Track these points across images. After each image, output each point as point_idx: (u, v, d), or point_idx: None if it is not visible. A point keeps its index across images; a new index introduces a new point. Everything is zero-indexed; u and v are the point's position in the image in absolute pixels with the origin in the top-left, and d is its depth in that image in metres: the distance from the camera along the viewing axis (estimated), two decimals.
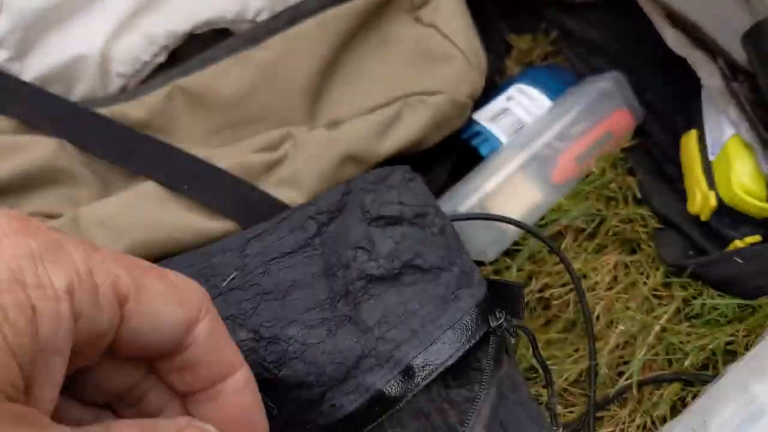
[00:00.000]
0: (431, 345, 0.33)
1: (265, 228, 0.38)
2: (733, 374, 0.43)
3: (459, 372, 0.37)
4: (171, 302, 0.26)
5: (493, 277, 0.40)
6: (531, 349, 0.41)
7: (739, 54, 0.51)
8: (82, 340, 0.23)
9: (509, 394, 0.39)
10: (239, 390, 0.27)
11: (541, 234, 0.53)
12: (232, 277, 0.36)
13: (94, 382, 0.27)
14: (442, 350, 0.33)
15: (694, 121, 0.58)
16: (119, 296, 0.24)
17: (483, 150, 0.61)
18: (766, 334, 0.46)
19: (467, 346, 0.33)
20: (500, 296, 0.37)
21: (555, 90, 0.65)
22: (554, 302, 0.56)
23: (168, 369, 0.27)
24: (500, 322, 0.35)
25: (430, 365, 0.33)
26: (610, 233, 0.57)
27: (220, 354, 0.27)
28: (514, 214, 0.58)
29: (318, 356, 0.32)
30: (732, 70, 0.52)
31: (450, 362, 0.32)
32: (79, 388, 0.27)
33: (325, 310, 0.34)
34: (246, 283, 0.36)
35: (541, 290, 0.56)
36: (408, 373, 0.33)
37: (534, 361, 0.48)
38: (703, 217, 0.54)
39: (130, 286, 0.25)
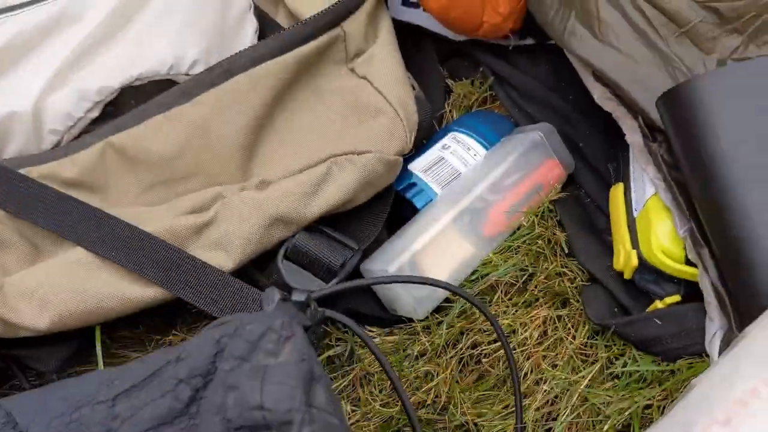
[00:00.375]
0: None
1: (134, 381, 0.35)
2: (679, 414, 0.43)
3: None
4: None
5: None
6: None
7: (657, 115, 0.52)
8: None
9: None
10: None
11: (467, 294, 0.53)
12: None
13: None
14: None
15: (622, 173, 0.59)
16: None
17: (418, 203, 0.62)
18: (681, 396, 0.47)
19: None
20: None
21: (491, 138, 0.65)
22: (484, 359, 0.56)
23: None
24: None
25: None
26: (539, 288, 0.57)
27: None
28: (447, 269, 0.58)
29: None
30: (651, 130, 0.53)
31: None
32: None
33: None
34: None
35: (473, 347, 0.57)
36: None
37: None
38: (626, 275, 0.55)
39: None
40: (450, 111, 0.71)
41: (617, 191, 0.58)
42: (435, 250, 0.58)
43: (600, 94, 0.57)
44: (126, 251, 0.54)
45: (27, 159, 0.60)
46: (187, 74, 0.63)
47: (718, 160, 0.45)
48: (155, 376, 0.34)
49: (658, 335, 0.51)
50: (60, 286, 0.52)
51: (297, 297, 0.39)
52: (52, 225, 0.56)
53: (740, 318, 0.45)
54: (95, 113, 0.62)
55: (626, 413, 0.50)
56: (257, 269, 0.58)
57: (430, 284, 0.52)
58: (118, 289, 0.53)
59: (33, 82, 0.61)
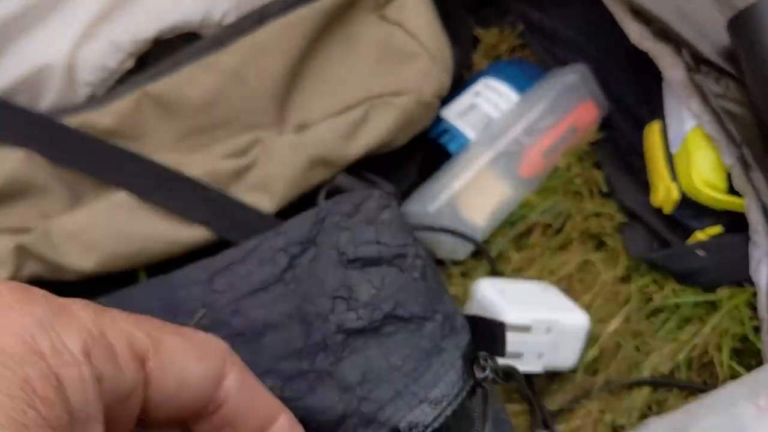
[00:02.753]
0: (417, 406, 0.31)
1: (233, 258, 0.37)
2: (726, 390, 0.44)
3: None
4: (193, 357, 0.25)
5: (474, 314, 0.39)
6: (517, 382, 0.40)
7: (703, 46, 0.52)
8: (110, 404, 0.22)
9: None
10: (288, 429, 0.27)
11: (485, 247, 0.54)
12: (201, 315, 0.36)
13: None
14: (428, 411, 0.31)
15: (658, 112, 0.59)
16: (138, 355, 0.23)
17: (451, 147, 0.62)
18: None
19: (454, 405, 0.32)
20: (481, 334, 0.35)
21: (522, 84, 0.65)
22: None
23: (208, 430, 0.26)
24: (486, 373, 0.34)
25: (416, 427, 0.31)
26: (577, 229, 0.58)
27: (256, 404, 0.26)
28: (484, 210, 0.59)
29: (299, 412, 0.31)
30: (696, 62, 0.53)
31: (437, 424, 0.31)
32: None
33: (303, 361, 0.32)
34: (217, 323, 0.35)
35: None
36: None
37: None
38: (666, 210, 0.55)
39: (147, 343, 0.24)
40: (479, 61, 0.71)
41: (653, 129, 0.58)
42: (472, 193, 0.58)
43: (637, 34, 0.57)
44: (168, 193, 0.54)
45: (63, 110, 0.60)
46: (219, 24, 0.63)
47: None
48: (254, 251, 0.36)
49: (700, 265, 0.51)
50: (104, 228, 0.53)
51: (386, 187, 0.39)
52: (93, 171, 0.56)
53: None
54: (129, 65, 0.62)
55: (671, 355, 0.50)
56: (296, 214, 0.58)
57: (454, 234, 0.52)
58: (162, 231, 0.53)
59: (65, 35, 0.61)
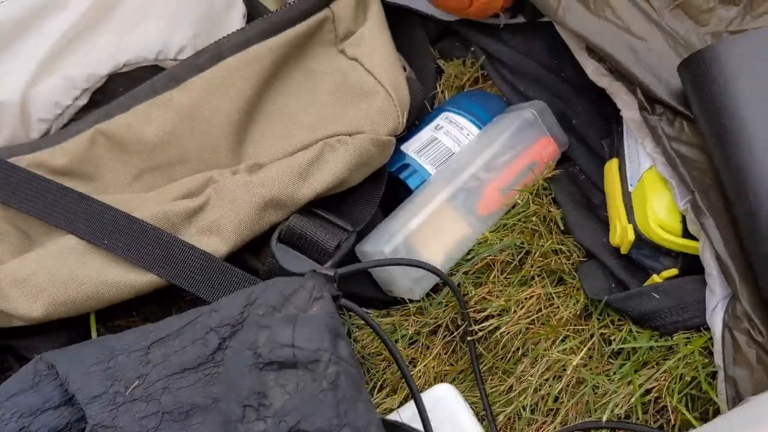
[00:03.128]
0: None
1: (170, 330, 0.37)
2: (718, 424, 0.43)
3: None
4: None
5: (390, 419, 0.39)
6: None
7: (657, 86, 0.52)
8: None
9: None
10: None
11: (447, 278, 0.54)
12: (135, 385, 0.36)
13: None
14: None
15: (616, 148, 0.58)
16: None
17: (412, 183, 0.61)
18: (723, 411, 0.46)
19: None
20: None
21: (482, 117, 0.65)
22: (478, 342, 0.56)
23: None
24: None
25: None
26: (535, 266, 0.57)
27: None
28: (442, 248, 0.58)
29: None
30: (650, 103, 0.52)
31: None
32: None
33: None
34: (148, 396, 0.35)
35: (460, 325, 0.57)
36: None
37: None
38: (623, 250, 0.54)
39: None
40: (442, 92, 0.71)
41: (612, 166, 0.58)
42: (430, 230, 0.57)
43: (593, 70, 0.57)
44: (118, 238, 0.53)
45: (15, 148, 0.59)
46: (175, 59, 0.62)
47: (739, 121, 0.45)
48: (189, 326, 0.36)
49: (656, 309, 0.50)
50: (52, 273, 0.52)
51: (325, 270, 0.39)
52: (43, 213, 0.55)
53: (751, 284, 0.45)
54: (83, 101, 0.61)
55: (628, 398, 0.50)
56: (251, 254, 0.57)
57: (418, 266, 0.52)
58: (112, 276, 0.52)
59: (19, 72, 0.60)
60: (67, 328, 0.55)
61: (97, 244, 0.53)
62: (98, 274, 0.52)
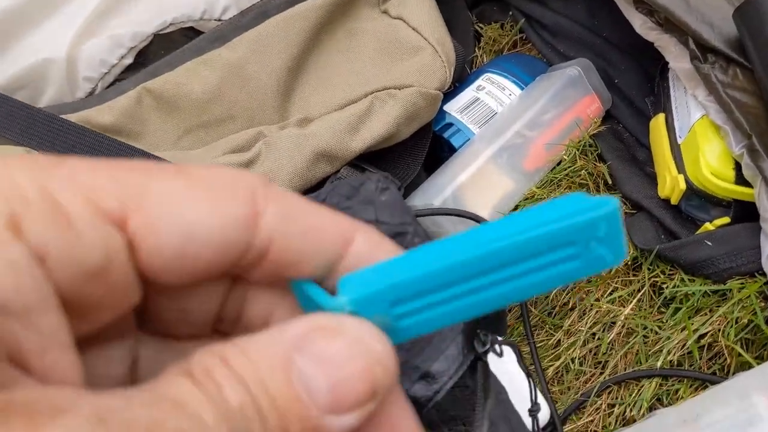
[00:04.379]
0: (418, 380, 0.32)
1: None
2: (739, 380, 0.43)
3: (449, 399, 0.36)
4: (202, 201, 0.18)
5: None
6: (516, 357, 0.40)
7: (709, 35, 0.52)
8: (74, 284, 0.17)
9: (495, 410, 0.39)
10: (368, 252, 0.20)
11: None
12: None
13: (171, 316, 0.20)
14: (429, 386, 0.32)
15: (662, 104, 0.59)
16: (110, 213, 0.17)
17: (455, 142, 0.61)
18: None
19: (455, 379, 0.32)
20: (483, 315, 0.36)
21: (524, 78, 0.65)
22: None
23: (266, 278, 0.20)
24: (486, 348, 0.34)
25: (418, 401, 0.32)
26: None
27: (318, 235, 0.20)
28: (488, 203, 0.58)
29: None
30: (702, 52, 0.53)
31: (438, 397, 0.31)
32: (165, 326, 0.20)
33: None
34: None
35: None
36: None
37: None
38: (673, 201, 0.54)
39: (125, 196, 0.17)
40: (481, 56, 0.71)
41: (659, 121, 0.58)
42: (477, 185, 0.58)
43: (641, 24, 0.57)
44: None
45: (63, 106, 0.60)
46: (219, 20, 0.62)
47: None
48: None
49: (709, 256, 0.51)
50: None
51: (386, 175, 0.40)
52: None
53: None
54: (129, 60, 0.62)
55: (681, 345, 0.50)
56: None
57: (466, 217, 0.52)
58: None
59: (66, 30, 0.60)
60: None
61: None
62: None
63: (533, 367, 0.55)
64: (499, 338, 0.34)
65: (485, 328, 0.34)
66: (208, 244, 0.18)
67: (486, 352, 0.33)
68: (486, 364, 0.33)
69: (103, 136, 0.56)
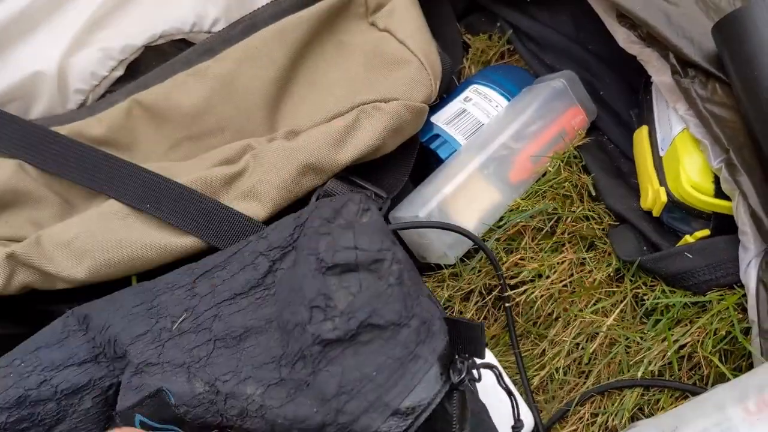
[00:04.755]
0: (390, 417, 0.32)
1: (215, 263, 0.37)
2: (716, 393, 0.45)
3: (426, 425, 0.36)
4: None
5: (451, 316, 0.39)
6: (496, 378, 0.40)
7: (689, 50, 0.53)
8: None
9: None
10: None
11: (482, 242, 0.54)
12: (182, 318, 0.36)
13: None
14: (400, 422, 0.32)
15: (645, 116, 0.59)
16: None
17: (442, 153, 0.62)
18: (757, 364, 0.47)
19: (428, 412, 0.32)
20: (461, 336, 0.36)
21: (511, 89, 0.66)
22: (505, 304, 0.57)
23: None
24: (462, 376, 0.34)
25: None
26: (567, 231, 0.58)
27: None
28: (474, 215, 0.59)
29: (279, 419, 0.32)
30: (683, 66, 0.53)
31: (412, 430, 0.31)
32: None
33: (282, 368, 0.33)
34: (197, 327, 0.35)
35: (492, 291, 0.58)
36: None
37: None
38: (655, 213, 0.55)
39: None
40: (468, 66, 0.72)
41: (642, 133, 0.59)
42: (463, 197, 0.58)
43: (624, 38, 0.58)
44: (159, 202, 0.54)
45: (54, 119, 0.61)
46: (209, 32, 0.63)
47: None
48: (236, 255, 0.36)
49: (689, 268, 0.51)
50: (96, 236, 0.53)
51: (376, 189, 0.39)
52: (84, 179, 0.56)
53: None
54: (119, 72, 0.62)
55: (662, 355, 0.51)
56: None
57: (454, 231, 0.52)
58: (154, 239, 0.53)
59: (57, 43, 0.61)
60: (107, 292, 0.56)
61: (139, 208, 0.54)
62: (141, 237, 0.53)
63: (518, 376, 0.56)
64: (477, 361, 0.34)
65: (463, 351, 0.34)
66: None
67: (462, 381, 0.33)
68: (463, 393, 0.33)
69: (93, 148, 0.57)
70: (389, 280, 0.33)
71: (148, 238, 0.53)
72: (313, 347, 0.32)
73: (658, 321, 0.52)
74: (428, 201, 0.57)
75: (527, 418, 0.52)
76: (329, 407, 0.32)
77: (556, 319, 0.57)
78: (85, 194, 0.57)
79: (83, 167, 0.56)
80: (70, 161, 0.57)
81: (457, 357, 0.34)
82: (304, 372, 0.32)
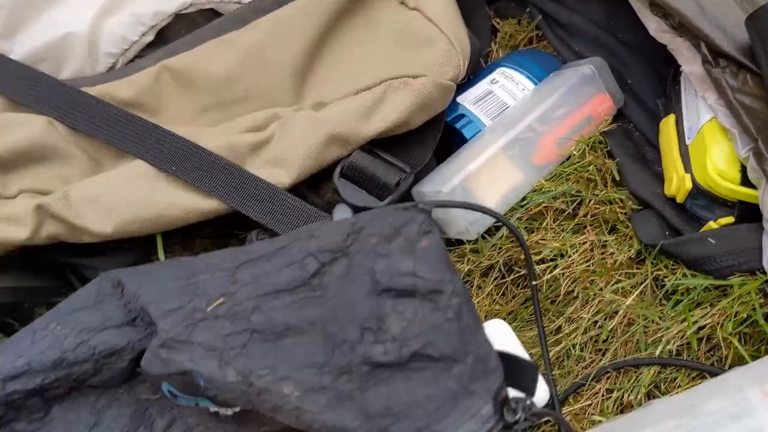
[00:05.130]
0: None
1: (261, 253, 0.35)
2: (734, 374, 0.45)
3: None
4: None
5: (507, 351, 0.37)
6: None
7: (721, 40, 0.53)
8: None
9: None
10: None
11: (507, 220, 0.54)
12: (219, 302, 0.35)
13: None
14: None
15: (673, 106, 0.59)
16: None
17: (467, 133, 0.62)
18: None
19: None
20: (513, 372, 0.34)
21: (538, 74, 0.66)
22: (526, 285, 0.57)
23: None
24: (517, 417, 0.32)
25: None
26: (589, 214, 0.58)
27: None
28: (497, 194, 0.59)
29: (316, 424, 0.31)
30: (714, 56, 0.53)
31: None
32: None
33: (324, 376, 0.32)
34: (234, 315, 0.34)
35: (512, 268, 0.58)
36: None
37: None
38: (679, 199, 0.55)
39: None
40: (496, 50, 0.72)
41: (669, 122, 0.59)
42: (486, 176, 0.59)
43: (656, 27, 0.58)
44: (186, 165, 0.55)
45: (84, 80, 0.61)
46: (239, 2, 0.63)
47: None
48: (285, 249, 0.35)
49: (711, 253, 0.51)
50: (123, 193, 0.53)
51: (423, 206, 0.38)
52: (113, 139, 0.56)
53: None
54: (149, 38, 0.63)
55: (680, 335, 0.51)
56: (309, 189, 0.58)
57: (476, 210, 0.52)
58: (179, 200, 0.54)
59: (89, 5, 0.62)
60: (130, 251, 0.57)
61: (165, 169, 0.55)
62: (166, 197, 0.54)
63: (537, 350, 0.56)
64: (534, 405, 0.32)
65: (515, 386, 0.33)
66: None
67: (516, 423, 0.32)
68: None
69: (122, 110, 0.57)
70: (447, 314, 0.32)
71: (174, 199, 0.54)
72: (362, 366, 0.32)
73: (678, 302, 0.52)
74: (452, 177, 0.58)
75: (543, 388, 0.52)
76: (374, 425, 0.31)
77: (575, 298, 0.57)
78: (113, 154, 0.58)
79: (112, 127, 0.57)
80: (99, 121, 0.57)
81: (511, 398, 0.33)
82: (349, 386, 0.31)
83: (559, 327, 0.56)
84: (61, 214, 0.52)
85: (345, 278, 0.33)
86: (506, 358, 0.34)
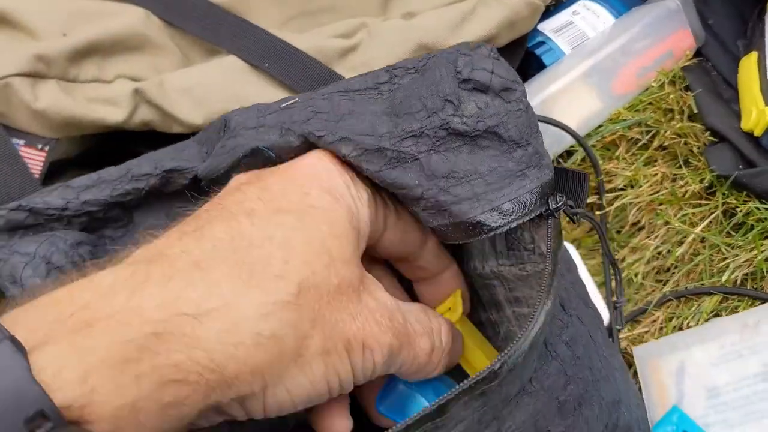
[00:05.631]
0: (488, 211, 0.34)
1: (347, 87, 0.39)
2: None
3: (512, 251, 0.39)
4: (414, 229, 0.37)
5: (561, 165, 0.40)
6: (601, 244, 0.41)
7: None
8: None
9: (565, 273, 0.41)
10: (450, 279, 0.40)
11: (584, 141, 0.55)
12: (292, 102, 0.38)
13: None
14: (496, 218, 0.34)
15: (755, 43, 0.60)
16: (382, 219, 0.35)
17: (547, 60, 0.63)
18: None
19: (523, 219, 0.34)
20: (565, 184, 0.37)
21: (620, 9, 0.66)
22: (597, 212, 0.59)
23: (408, 267, 0.39)
24: (559, 204, 0.36)
25: (481, 227, 0.34)
26: (663, 144, 0.59)
27: (440, 260, 0.39)
28: (574, 118, 0.60)
29: (375, 179, 0.34)
30: None
31: (501, 230, 0.34)
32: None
33: (383, 139, 0.34)
34: (305, 103, 0.37)
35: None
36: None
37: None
38: (757, 132, 0.56)
39: (390, 213, 0.36)
40: None
41: (750, 59, 0.59)
42: (564, 99, 0.60)
43: None
44: (278, 62, 0.56)
45: None
46: None
47: None
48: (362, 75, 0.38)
49: None
50: (215, 86, 0.55)
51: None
52: (207, 34, 0.58)
53: None
54: None
55: (747, 264, 0.52)
56: None
57: (560, 127, 0.53)
58: (270, 96, 0.55)
59: None
60: None
61: (258, 65, 0.56)
62: (257, 93, 0.55)
63: (599, 278, 0.57)
64: (577, 208, 0.36)
65: (565, 194, 0.36)
66: (407, 246, 0.38)
67: (558, 209, 0.35)
68: (558, 223, 0.35)
69: (217, 6, 0.59)
70: (518, 105, 0.35)
71: (265, 95, 0.55)
72: (439, 131, 0.34)
73: (748, 231, 0.53)
74: (532, 98, 0.59)
75: (603, 313, 0.53)
76: (434, 184, 0.34)
77: (640, 229, 0.58)
78: (204, 52, 0.59)
79: (207, 23, 0.58)
80: (194, 16, 0.59)
81: (556, 193, 0.36)
82: (414, 149, 0.34)
83: (623, 258, 0.57)
84: (156, 100, 0.54)
85: (420, 76, 0.36)
86: (559, 168, 0.37)
